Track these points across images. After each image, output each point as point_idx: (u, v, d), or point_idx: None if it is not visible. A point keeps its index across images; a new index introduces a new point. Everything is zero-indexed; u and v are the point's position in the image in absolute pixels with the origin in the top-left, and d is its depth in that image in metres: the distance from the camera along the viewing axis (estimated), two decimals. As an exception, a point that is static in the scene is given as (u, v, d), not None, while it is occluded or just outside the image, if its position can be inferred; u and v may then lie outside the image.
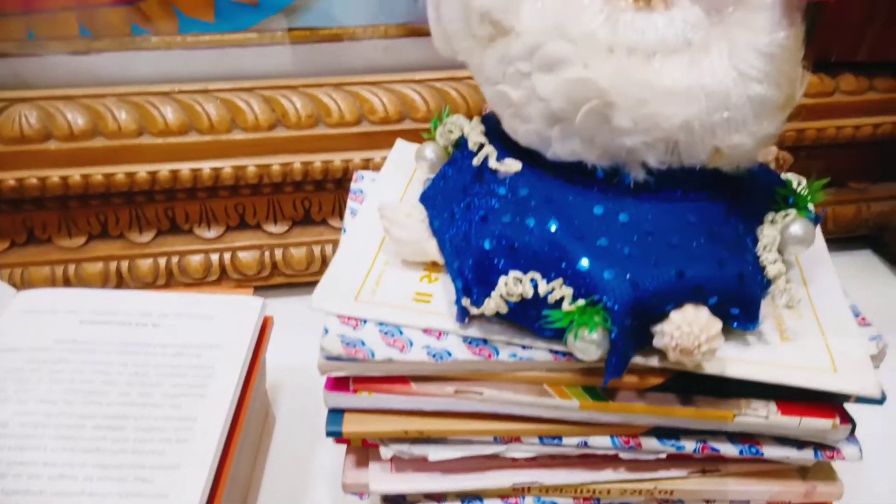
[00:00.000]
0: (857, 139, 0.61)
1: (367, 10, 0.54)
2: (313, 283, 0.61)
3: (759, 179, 0.37)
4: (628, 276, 0.32)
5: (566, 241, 0.33)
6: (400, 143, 0.52)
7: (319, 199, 0.60)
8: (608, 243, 0.33)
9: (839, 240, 0.69)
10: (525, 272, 0.33)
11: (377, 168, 0.55)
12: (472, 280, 0.34)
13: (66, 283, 0.57)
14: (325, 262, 0.61)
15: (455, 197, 0.38)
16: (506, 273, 0.33)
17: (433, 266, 0.40)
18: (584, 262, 0.32)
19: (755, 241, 0.36)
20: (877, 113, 0.60)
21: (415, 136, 0.55)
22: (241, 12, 0.52)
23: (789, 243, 0.37)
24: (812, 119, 0.60)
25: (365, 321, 0.36)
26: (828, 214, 0.66)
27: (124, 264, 0.58)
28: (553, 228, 0.34)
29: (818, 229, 0.42)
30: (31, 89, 0.53)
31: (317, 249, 0.60)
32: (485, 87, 0.36)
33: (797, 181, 0.47)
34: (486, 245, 0.34)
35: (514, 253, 0.34)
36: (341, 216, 0.60)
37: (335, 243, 0.60)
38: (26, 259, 0.57)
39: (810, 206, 0.39)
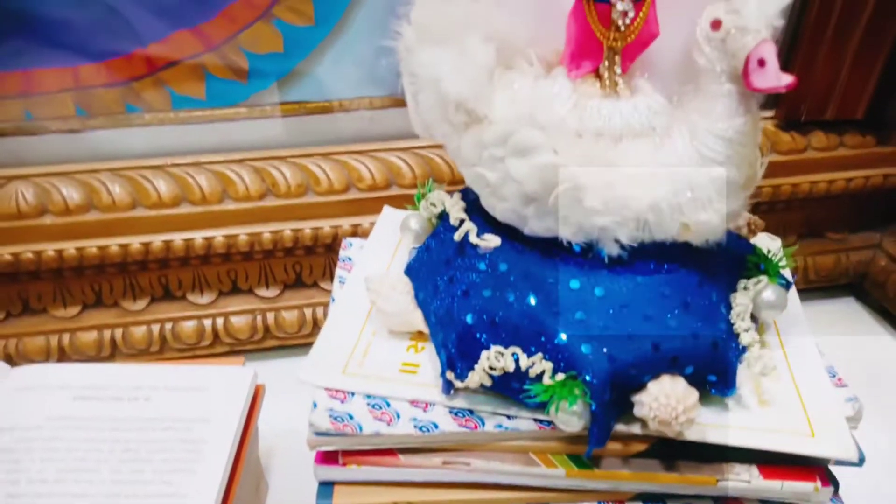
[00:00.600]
0: (831, 193, 0.63)
1: (354, 82, 0.56)
2: (305, 346, 0.62)
3: (730, 247, 0.38)
4: (605, 349, 0.33)
5: (545, 316, 0.34)
6: (387, 210, 0.54)
7: (310, 263, 0.61)
8: (585, 317, 0.34)
9: (822, 288, 0.71)
10: (507, 346, 0.34)
11: (365, 233, 0.57)
12: (456, 354, 0.35)
13: (61, 352, 0.58)
14: (316, 325, 0.61)
15: (438, 270, 0.40)
16: (488, 347, 0.34)
17: (419, 335, 0.41)
18: (563, 337, 0.33)
19: (729, 307, 0.37)
20: (848, 168, 0.62)
21: (401, 202, 0.56)
22: (232, 89, 0.54)
23: (762, 309, 0.38)
24: (786, 175, 0.62)
25: (353, 394, 0.37)
26: (808, 264, 0.68)
27: (118, 332, 0.59)
28: (532, 303, 0.35)
29: (793, 291, 0.43)
30: (27, 166, 0.54)
31: (308, 312, 0.61)
32: (462, 168, 0.37)
33: (769, 241, 0.48)
34: (469, 319, 0.35)
35: (495, 327, 0.35)
36: (332, 279, 0.61)
37: (326, 306, 0.61)
38: (21, 330, 0.58)
39: (783, 271, 0.40)
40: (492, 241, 0.37)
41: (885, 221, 0.68)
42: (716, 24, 0.30)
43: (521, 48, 0.35)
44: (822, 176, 0.62)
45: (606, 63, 0.35)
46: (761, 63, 0.28)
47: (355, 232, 0.58)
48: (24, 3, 0.48)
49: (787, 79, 0.28)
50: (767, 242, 0.49)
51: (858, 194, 0.64)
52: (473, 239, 0.38)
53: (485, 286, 0.36)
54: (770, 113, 0.62)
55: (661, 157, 0.32)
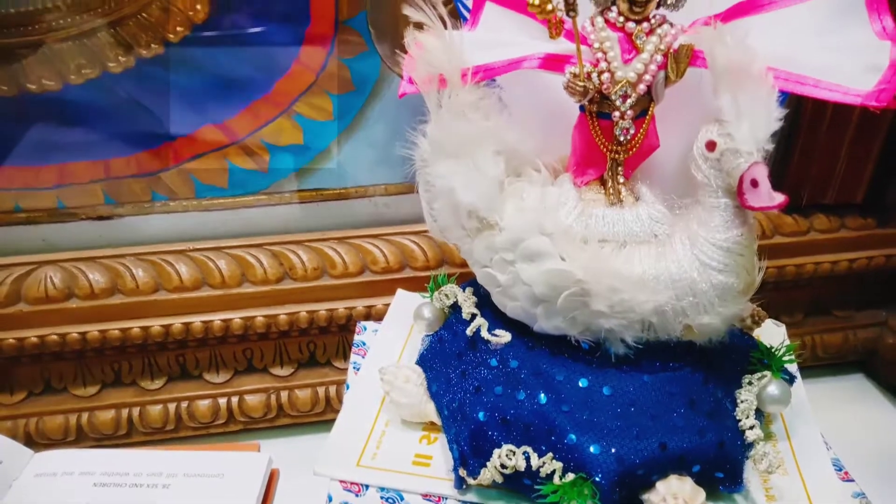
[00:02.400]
0: (835, 273, 0.64)
1: (370, 171, 0.58)
2: (318, 423, 0.63)
3: (734, 343, 0.40)
4: (613, 450, 0.34)
5: (555, 415, 0.35)
6: (400, 293, 0.55)
7: (324, 342, 0.62)
8: (594, 417, 0.35)
9: (831, 365, 0.71)
10: (518, 445, 0.35)
11: (379, 314, 0.58)
12: (468, 451, 0.36)
13: (80, 431, 0.59)
14: (329, 403, 0.62)
15: (451, 362, 0.41)
16: (500, 446, 0.35)
17: (432, 426, 0.42)
18: (573, 437, 0.34)
19: (734, 403, 0.38)
20: (850, 249, 0.63)
21: (414, 284, 0.58)
22: (253, 178, 0.57)
23: (767, 404, 0.39)
24: (791, 256, 0.63)
25: (367, 486, 0.38)
26: (816, 342, 0.68)
27: (135, 411, 0.60)
28: (542, 401, 0.36)
29: (798, 381, 0.44)
30: (56, 251, 0.56)
31: (321, 391, 0.62)
32: (475, 268, 0.39)
33: (774, 327, 0.49)
34: (481, 416, 0.37)
35: (506, 425, 0.36)
36: (345, 357, 0.63)
37: (339, 384, 0.62)
38: (42, 409, 0.59)
39: (787, 365, 0.41)
40: (503, 336, 0.39)
41: (891, 299, 0.68)
42: (711, 145, 0.32)
43: (529, 158, 0.37)
44: (826, 257, 0.63)
45: (610, 172, 0.37)
46: (754, 183, 0.30)
47: (369, 313, 0.59)
48: (59, 103, 0.51)
49: (779, 199, 0.30)
50: (772, 328, 0.50)
51: (862, 273, 0.65)
52: (485, 334, 0.39)
53: (496, 382, 0.37)
54: (771, 196, 0.64)
55: (663, 263, 0.34)
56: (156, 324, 0.57)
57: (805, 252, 0.63)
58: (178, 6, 0.49)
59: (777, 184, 0.64)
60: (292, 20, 0.51)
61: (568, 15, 0.31)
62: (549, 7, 0.31)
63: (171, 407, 0.61)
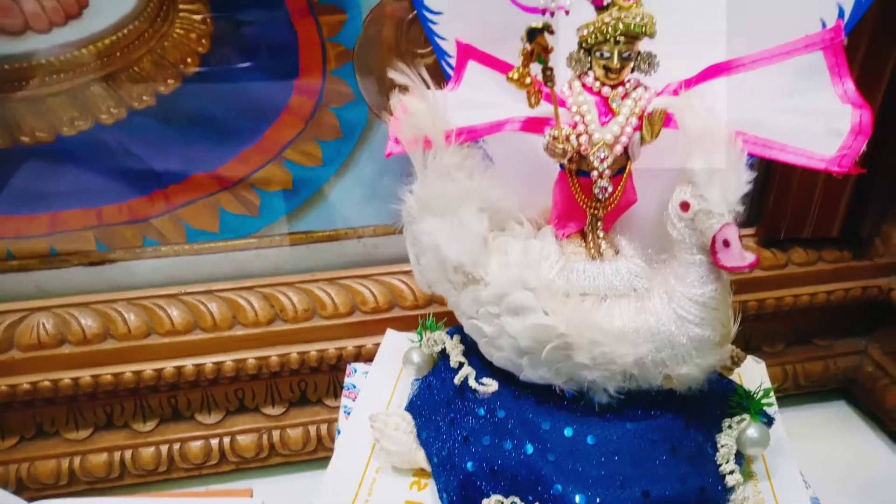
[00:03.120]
0: (814, 304, 0.66)
1: (359, 212, 0.59)
2: (309, 462, 0.63)
3: (714, 388, 0.41)
4: (598, 500, 0.35)
5: (541, 465, 0.36)
6: (390, 334, 0.56)
7: (315, 381, 0.63)
8: (579, 466, 0.36)
9: (814, 392, 0.72)
10: (506, 495, 0.36)
11: (369, 354, 0.59)
12: (458, 501, 0.37)
13: (72, 475, 0.59)
14: (320, 442, 0.63)
15: (440, 410, 0.42)
16: (488, 495, 0.36)
17: (422, 472, 0.42)
18: (559, 487, 0.35)
19: (715, 447, 0.39)
20: (828, 281, 0.65)
21: (404, 324, 0.59)
22: (243, 222, 0.58)
23: (747, 446, 0.40)
24: (770, 289, 0.64)
25: (359, 535, 0.39)
26: (798, 370, 0.70)
27: (128, 454, 0.60)
28: (529, 451, 0.37)
29: (778, 420, 0.45)
30: (49, 297, 0.57)
31: (312, 429, 0.63)
32: (462, 319, 0.40)
33: (754, 364, 0.51)
34: (469, 466, 0.38)
35: (494, 475, 0.37)
36: (336, 395, 0.63)
37: (330, 423, 0.63)
38: (34, 454, 0.59)
39: (766, 408, 0.42)
40: (490, 386, 0.40)
41: (870, 328, 0.70)
42: (685, 206, 0.33)
43: (512, 212, 0.39)
44: (804, 289, 0.65)
45: (590, 226, 0.38)
46: (726, 244, 0.32)
47: (359, 353, 0.60)
48: (52, 153, 0.52)
49: (750, 258, 0.31)
50: (752, 366, 0.52)
51: (841, 304, 0.67)
52: (472, 383, 0.40)
53: (484, 432, 0.38)
54: (751, 230, 0.65)
55: (643, 317, 0.35)
56: (148, 368, 0.57)
57: (784, 285, 0.65)
58: (169, 60, 0.50)
59: (754, 219, 0.66)
60: (281, 71, 0.52)
61: (546, 85, 0.33)
62: (528, 80, 0.32)
63: (164, 449, 0.61)
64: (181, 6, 0.49)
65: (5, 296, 0.57)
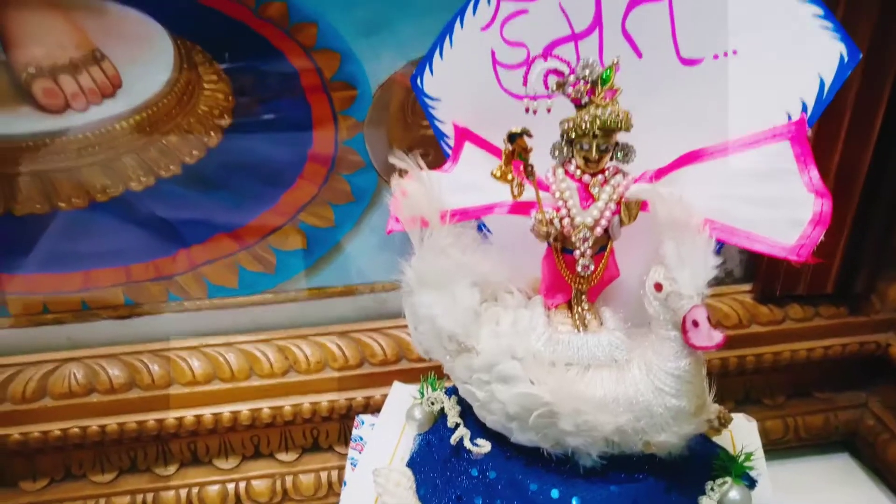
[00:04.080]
0: (812, 359, 0.67)
1: (369, 270, 0.63)
2: (321, 508, 0.66)
3: (697, 451, 0.43)
4: (581, 560, 0.37)
5: (529, 526, 0.39)
6: (396, 387, 0.59)
7: (327, 429, 0.66)
8: (564, 528, 0.38)
9: (818, 445, 0.73)
10: (496, 554, 0.38)
11: (377, 404, 0.62)
12: (450, 556, 0.40)
13: (96, 516, 0.63)
14: (331, 487, 0.66)
15: (437, 468, 0.45)
16: (479, 555, 0.39)
17: (422, 526, 0.45)
18: (544, 550, 0.38)
19: (698, 509, 0.41)
20: (825, 336, 0.67)
21: (411, 376, 0.62)
22: (261, 279, 0.62)
23: (728, 508, 0.42)
24: (768, 344, 0.66)
25: (360, 585, 0.41)
26: (798, 423, 0.71)
27: (150, 497, 0.64)
28: (518, 512, 0.39)
29: (764, 482, 0.47)
30: (79, 348, 0.61)
31: (324, 475, 0.66)
32: (457, 383, 0.43)
33: (745, 422, 0.53)
34: (462, 524, 0.40)
35: (485, 533, 0.39)
36: (346, 443, 0.66)
37: (340, 469, 0.66)
38: (63, 495, 0.63)
39: (751, 469, 0.44)
40: (483, 447, 0.42)
41: (870, 382, 0.71)
42: (658, 287, 0.36)
43: (503, 284, 0.42)
44: (802, 344, 0.67)
45: (575, 299, 0.41)
46: (695, 324, 0.34)
47: (368, 403, 0.63)
48: (86, 218, 0.57)
49: (717, 338, 0.34)
50: (744, 424, 0.54)
51: (839, 359, 0.68)
52: (467, 444, 0.43)
53: (476, 492, 0.41)
54: (747, 287, 0.67)
55: (622, 387, 0.37)
56: (169, 416, 0.61)
57: (781, 340, 0.66)
58: (194, 133, 0.55)
59: (751, 276, 0.68)
60: (297, 142, 0.56)
61: (528, 179, 0.36)
62: (510, 177, 0.36)
63: (183, 492, 0.64)
64: (206, 86, 0.54)
65: (40, 347, 0.61)
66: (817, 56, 0.36)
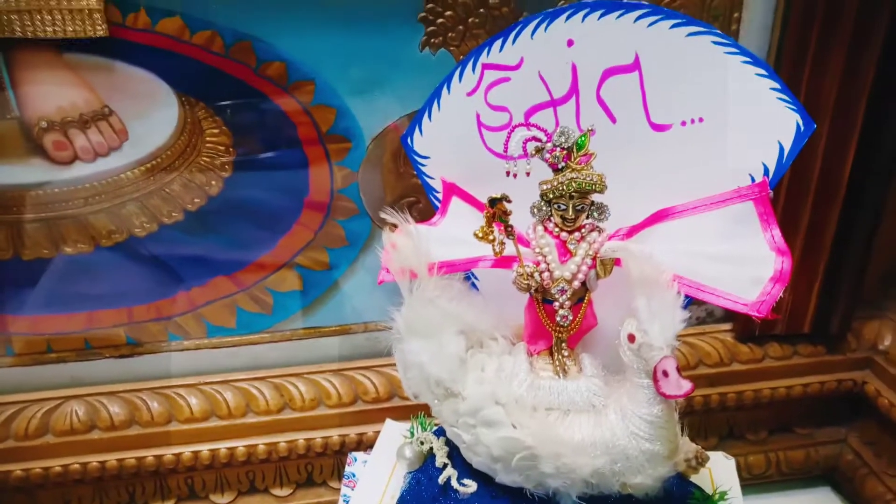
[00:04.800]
0: (791, 396, 0.69)
1: (362, 310, 0.65)
2: (313, 544, 0.67)
3: (672, 491, 0.45)
4: None
5: (512, 565, 0.41)
6: (389, 424, 0.61)
7: (321, 464, 0.68)
8: (545, 567, 0.40)
9: (801, 479, 0.75)
10: None
11: (370, 441, 0.64)
12: None
13: (94, 552, 0.64)
14: (324, 524, 0.67)
15: (426, 506, 0.47)
16: None
17: (411, 563, 0.47)
18: (525, 589, 0.40)
19: (674, 548, 0.43)
20: (804, 374, 0.69)
21: (402, 413, 0.64)
22: (258, 319, 0.64)
23: (705, 546, 0.44)
24: (748, 382, 0.68)
25: None
26: (780, 458, 0.73)
27: (147, 531, 0.65)
28: (502, 554, 0.41)
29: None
30: (81, 386, 0.63)
31: (317, 511, 0.67)
32: (444, 426, 0.45)
33: (724, 460, 0.55)
34: (448, 563, 0.42)
35: (470, 571, 0.41)
36: (339, 478, 0.68)
37: (334, 504, 0.67)
38: (61, 530, 0.64)
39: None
40: (469, 487, 0.44)
41: (849, 418, 0.73)
42: (631, 338, 0.38)
43: (488, 332, 0.44)
44: (781, 382, 0.69)
45: (555, 346, 0.43)
46: (665, 374, 0.37)
47: (361, 440, 0.65)
48: (91, 262, 0.59)
49: (686, 387, 0.36)
50: (722, 461, 0.56)
51: (817, 396, 0.70)
52: (455, 484, 0.45)
53: (462, 532, 0.43)
54: (727, 326, 0.70)
55: (599, 431, 0.40)
56: (168, 452, 0.63)
57: (761, 378, 0.69)
58: (196, 182, 0.58)
59: (730, 316, 0.70)
60: (294, 191, 0.59)
61: (508, 238, 0.39)
62: (491, 237, 0.38)
63: (180, 527, 0.66)
64: (208, 138, 0.56)
65: (43, 384, 0.63)
66: (776, 125, 0.39)
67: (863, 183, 0.62)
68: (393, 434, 0.59)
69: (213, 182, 0.58)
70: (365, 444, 0.65)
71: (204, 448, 0.63)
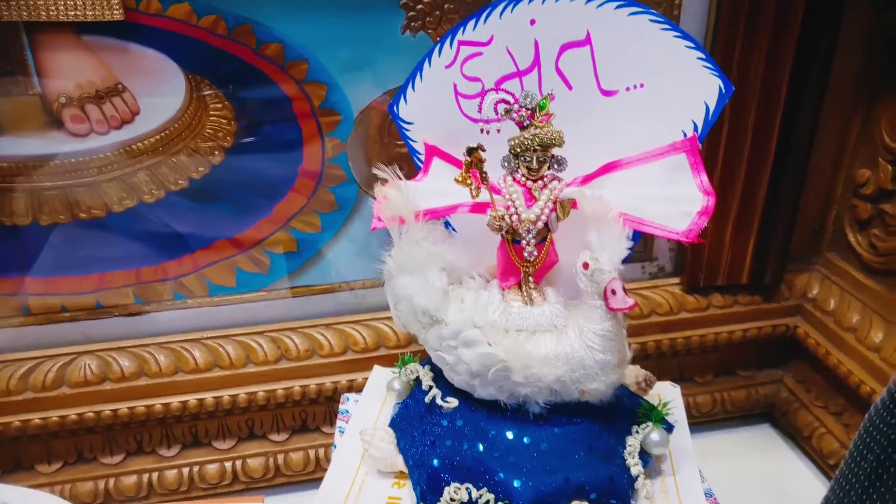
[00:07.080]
0: (732, 341, 0.78)
1: (351, 270, 0.72)
2: (310, 482, 0.75)
3: (624, 402, 0.53)
4: (531, 483, 0.47)
5: (489, 460, 0.48)
6: (377, 370, 0.68)
7: (314, 411, 0.74)
8: (517, 460, 0.48)
9: (742, 416, 0.84)
10: (463, 483, 0.48)
11: (360, 387, 0.71)
12: (427, 490, 0.49)
13: (107, 494, 0.70)
14: (318, 464, 0.74)
15: (414, 423, 0.54)
16: (449, 484, 0.48)
17: (401, 475, 0.54)
18: (501, 475, 0.47)
19: (624, 446, 0.51)
20: (743, 321, 0.78)
21: (388, 361, 0.71)
22: (256, 279, 0.70)
23: (650, 447, 0.52)
24: (694, 328, 0.77)
25: (351, 521, 0.50)
26: (725, 398, 0.82)
27: (154, 476, 0.71)
28: (480, 449, 0.49)
29: (684, 428, 0.57)
30: (93, 343, 0.69)
31: (312, 453, 0.74)
32: (430, 352, 0.53)
33: (671, 388, 0.63)
34: (435, 463, 0.49)
35: (454, 469, 0.49)
36: (332, 424, 0.75)
37: (327, 447, 0.74)
38: (75, 476, 0.70)
39: (668, 417, 0.54)
40: (452, 403, 0.52)
41: (785, 360, 0.83)
42: (585, 265, 0.46)
43: (466, 270, 0.52)
44: (723, 328, 0.78)
45: (524, 280, 0.51)
46: (613, 292, 0.45)
47: (351, 386, 0.72)
48: (103, 226, 0.65)
49: (629, 302, 0.44)
50: (669, 389, 0.64)
51: (755, 340, 0.80)
52: (439, 401, 0.52)
53: (447, 437, 0.50)
54: (677, 280, 0.79)
55: (561, 346, 0.47)
56: (175, 400, 0.69)
57: (706, 325, 0.78)
58: (200, 153, 0.64)
59: (679, 270, 0.79)
60: (289, 160, 0.66)
61: (483, 184, 0.46)
62: (469, 182, 0.46)
63: (185, 471, 0.72)
64: (212, 112, 0.63)
65: (58, 342, 0.69)
66: (702, 88, 0.47)
67: (788, 150, 0.71)
68: (381, 377, 0.66)
69: (216, 153, 0.64)
70: (355, 389, 0.72)
71: (208, 396, 0.70)
